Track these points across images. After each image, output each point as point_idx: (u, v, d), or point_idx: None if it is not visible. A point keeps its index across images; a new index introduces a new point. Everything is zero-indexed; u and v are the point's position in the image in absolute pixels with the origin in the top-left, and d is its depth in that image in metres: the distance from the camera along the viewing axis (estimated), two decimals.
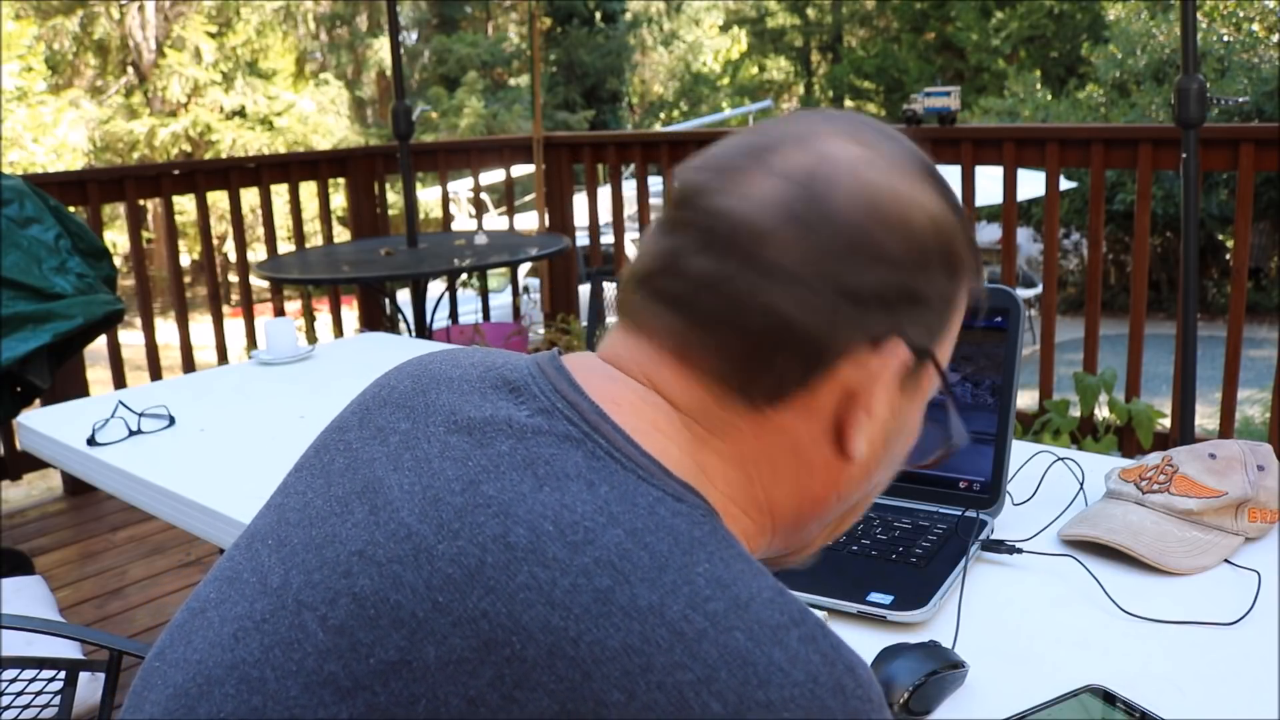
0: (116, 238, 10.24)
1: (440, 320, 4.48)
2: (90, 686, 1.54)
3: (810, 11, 21.74)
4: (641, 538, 0.54)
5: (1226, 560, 1.12)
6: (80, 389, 3.68)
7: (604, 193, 4.82)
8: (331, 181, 4.76)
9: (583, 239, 5.29)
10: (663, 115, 20.58)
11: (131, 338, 4.33)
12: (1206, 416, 6.19)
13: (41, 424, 1.85)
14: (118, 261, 4.19)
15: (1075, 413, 3.43)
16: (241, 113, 14.89)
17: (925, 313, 0.64)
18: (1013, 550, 1.16)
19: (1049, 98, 13.47)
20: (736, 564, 0.55)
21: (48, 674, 1.42)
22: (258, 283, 5.22)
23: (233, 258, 4.42)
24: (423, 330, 3.98)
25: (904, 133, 0.71)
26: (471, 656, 0.50)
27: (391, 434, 0.64)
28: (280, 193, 4.52)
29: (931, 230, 0.63)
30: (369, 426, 0.66)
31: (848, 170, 0.62)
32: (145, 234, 9.68)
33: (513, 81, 17.20)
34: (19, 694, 1.39)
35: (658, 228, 0.65)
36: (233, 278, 4.70)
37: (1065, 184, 8.72)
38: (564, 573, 0.52)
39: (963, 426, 0.72)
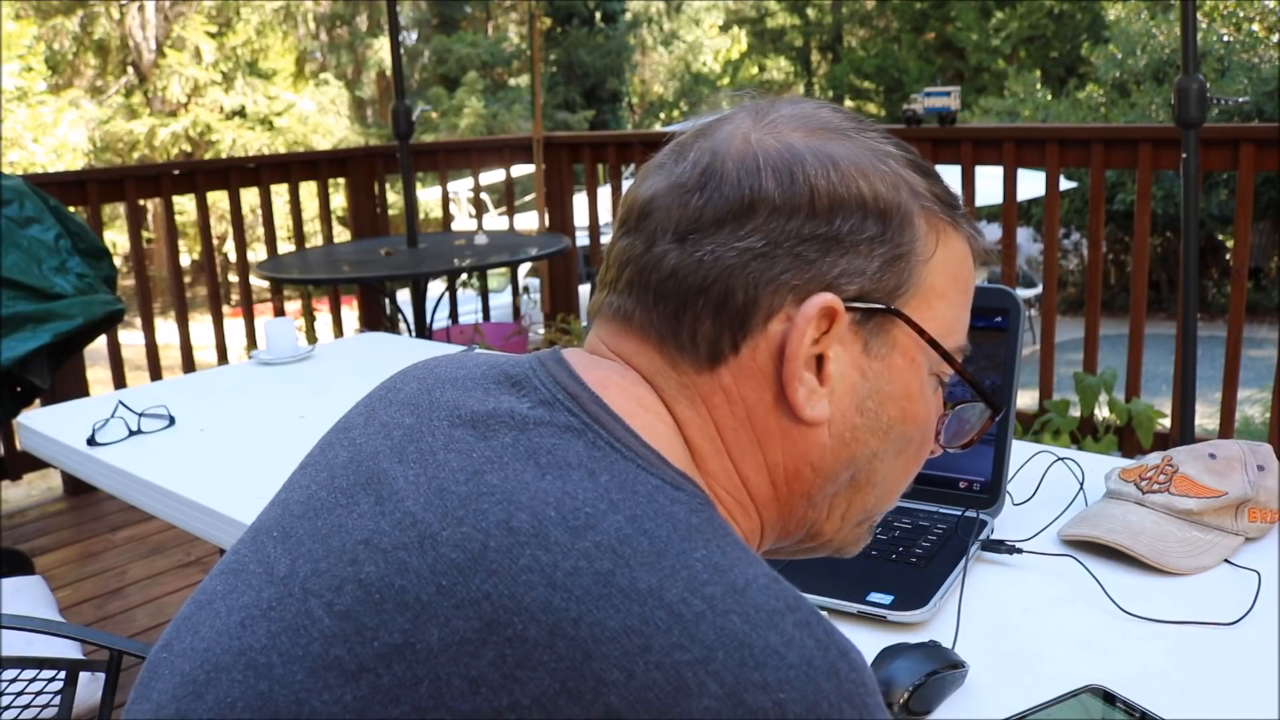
0: (116, 238, 10.23)
1: (440, 320, 4.48)
2: (90, 686, 1.54)
3: (810, 11, 21.74)
4: (641, 524, 0.55)
5: (1226, 560, 1.12)
6: (80, 389, 3.68)
7: (604, 193, 4.82)
8: (331, 181, 4.76)
9: (583, 239, 5.29)
10: (663, 115, 20.57)
11: (131, 338, 4.33)
12: (1206, 416, 6.19)
13: (41, 424, 1.85)
14: (118, 261, 4.19)
15: (1075, 413, 3.43)
16: (241, 113, 14.89)
17: (855, 261, 0.64)
18: (1013, 550, 1.16)
19: (1049, 98, 13.48)
20: (733, 551, 0.56)
21: (48, 674, 1.42)
22: (258, 283, 5.22)
23: (233, 258, 4.42)
24: (423, 330, 3.98)
25: (903, 133, 0.71)
26: (474, 637, 0.51)
27: (395, 429, 0.65)
28: (280, 193, 4.52)
29: (835, 176, 0.64)
30: (373, 424, 0.68)
31: (735, 139, 0.66)
32: (145, 234, 9.68)
33: (513, 81, 17.21)
34: (19, 694, 1.39)
35: None
36: (233, 278, 4.70)
37: (1065, 184, 8.72)
38: (565, 556, 0.53)
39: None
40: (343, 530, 0.59)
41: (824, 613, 1.04)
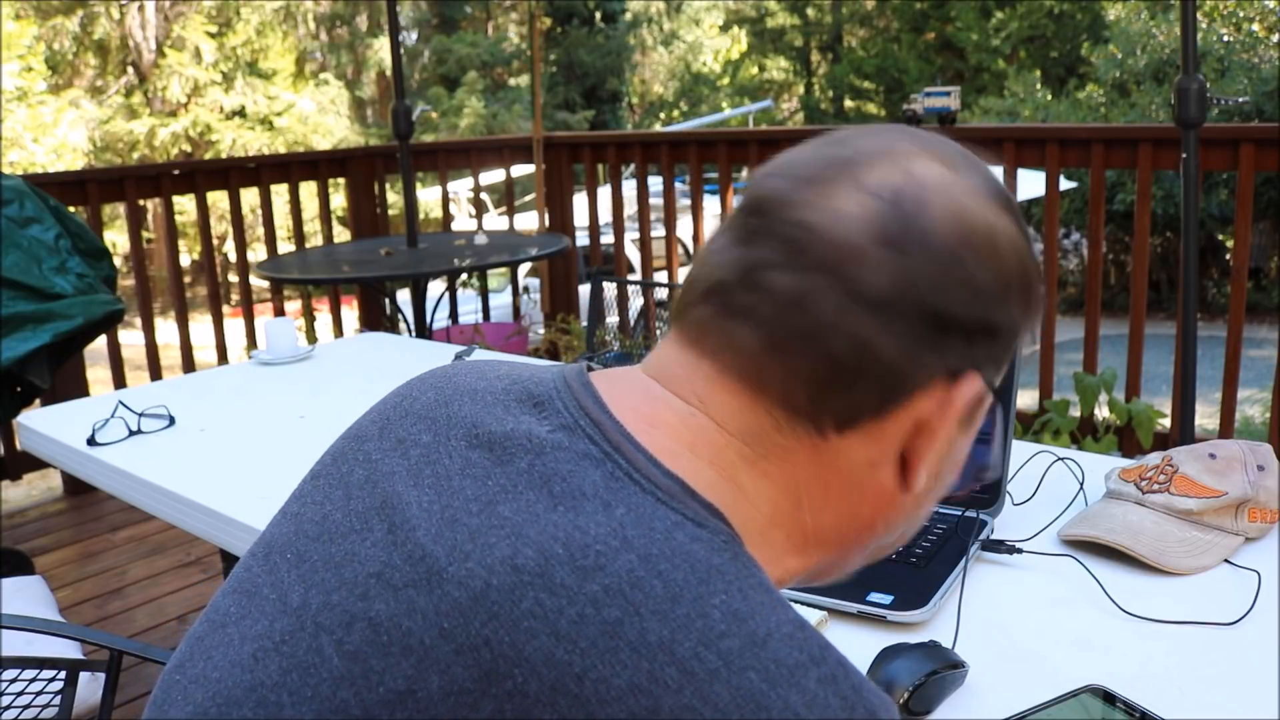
0: (116, 238, 10.23)
1: (440, 320, 4.48)
2: (90, 686, 1.54)
3: (810, 11, 21.73)
4: (655, 565, 0.51)
5: (1226, 560, 1.12)
6: (80, 389, 3.68)
7: (604, 193, 4.82)
8: (331, 181, 4.76)
9: (583, 239, 5.28)
10: (663, 115, 20.57)
11: (131, 338, 4.33)
12: (1206, 416, 6.18)
13: (41, 424, 1.85)
14: (118, 261, 4.19)
15: (1075, 413, 3.43)
16: (241, 113, 14.88)
17: (997, 346, 0.63)
18: (1013, 550, 1.16)
19: (1049, 98, 13.47)
20: (755, 595, 0.52)
21: (48, 674, 1.42)
22: (258, 283, 5.22)
23: (233, 258, 4.42)
24: (423, 330, 3.98)
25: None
26: (473, 688, 0.49)
27: (412, 447, 0.63)
28: (280, 193, 4.52)
29: (1014, 260, 0.61)
30: (389, 438, 0.65)
31: (936, 191, 0.60)
32: (145, 234, 9.68)
33: (513, 81, 17.19)
34: (19, 694, 1.39)
35: (728, 237, 0.62)
36: (233, 278, 4.70)
37: (1065, 184, 8.72)
38: (571, 601, 0.50)
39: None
40: (355, 560, 0.57)
41: (823, 613, 1.04)
